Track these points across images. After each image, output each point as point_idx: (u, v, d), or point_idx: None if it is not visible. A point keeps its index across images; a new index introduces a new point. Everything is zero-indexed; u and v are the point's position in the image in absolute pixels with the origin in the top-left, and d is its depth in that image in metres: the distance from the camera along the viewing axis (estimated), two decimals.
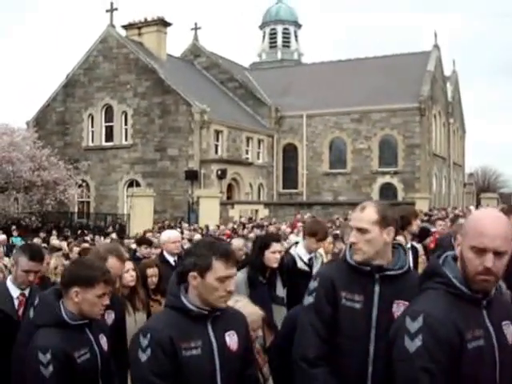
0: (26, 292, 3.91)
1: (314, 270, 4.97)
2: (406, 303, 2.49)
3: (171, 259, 6.12)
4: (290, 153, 36.88)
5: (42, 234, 19.29)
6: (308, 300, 2.69)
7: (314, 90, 36.02)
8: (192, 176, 29.17)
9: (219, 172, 29.89)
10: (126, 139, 31.91)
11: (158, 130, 30.88)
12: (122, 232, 22.97)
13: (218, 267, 2.45)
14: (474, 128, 54.02)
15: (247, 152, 34.60)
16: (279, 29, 47.63)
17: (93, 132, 32.84)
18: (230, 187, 31.88)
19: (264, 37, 48.49)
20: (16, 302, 3.89)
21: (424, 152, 33.81)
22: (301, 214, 24.60)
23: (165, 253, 6.20)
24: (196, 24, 39.80)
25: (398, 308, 2.57)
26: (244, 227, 19.59)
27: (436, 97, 36.51)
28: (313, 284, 2.71)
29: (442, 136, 38.34)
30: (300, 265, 5.13)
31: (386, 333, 2.37)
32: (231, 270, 2.51)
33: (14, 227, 21.63)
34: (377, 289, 2.62)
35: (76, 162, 30.80)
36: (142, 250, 7.50)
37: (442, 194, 37.50)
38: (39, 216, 26.43)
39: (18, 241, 17.95)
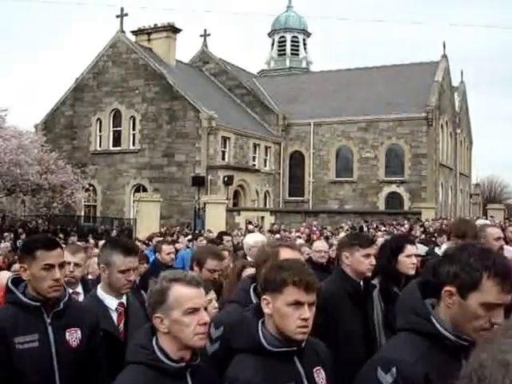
0: (124, 300, 3.18)
1: None
2: None
3: None
4: (297, 160, 36.90)
5: None
6: None
7: (322, 99, 36.09)
8: (199, 182, 29.21)
9: (226, 178, 29.90)
10: (133, 144, 32.02)
11: (165, 136, 30.97)
12: (129, 236, 22.98)
13: (489, 290, 1.78)
14: (480, 138, 53.96)
15: (254, 159, 34.65)
16: (288, 37, 47.78)
17: (100, 136, 32.94)
18: (236, 194, 31.89)
19: (273, 44, 48.64)
20: (115, 316, 3.11)
21: (430, 162, 33.76)
22: (307, 222, 24.62)
23: (249, 259, 5.26)
24: (205, 31, 40.02)
25: None
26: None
27: (443, 107, 36.49)
28: None
29: (449, 146, 38.30)
30: None
31: None
32: (506, 296, 1.80)
33: (20, 230, 21.71)
34: None
35: (83, 165, 30.89)
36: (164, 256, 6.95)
37: (449, 205, 37.41)
38: (46, 219, 26.56)
39: None
